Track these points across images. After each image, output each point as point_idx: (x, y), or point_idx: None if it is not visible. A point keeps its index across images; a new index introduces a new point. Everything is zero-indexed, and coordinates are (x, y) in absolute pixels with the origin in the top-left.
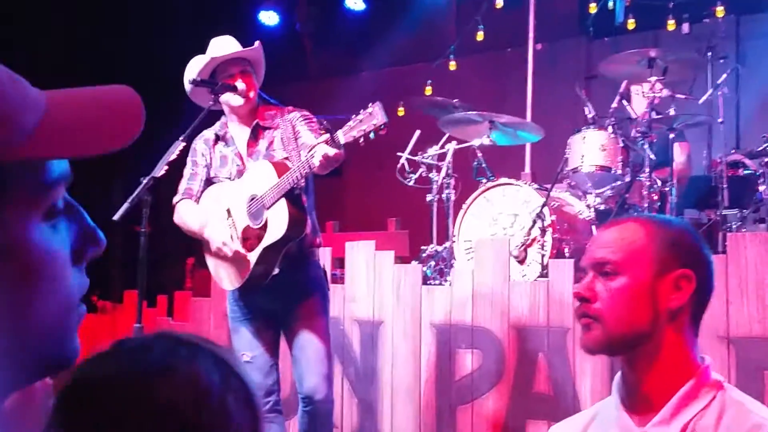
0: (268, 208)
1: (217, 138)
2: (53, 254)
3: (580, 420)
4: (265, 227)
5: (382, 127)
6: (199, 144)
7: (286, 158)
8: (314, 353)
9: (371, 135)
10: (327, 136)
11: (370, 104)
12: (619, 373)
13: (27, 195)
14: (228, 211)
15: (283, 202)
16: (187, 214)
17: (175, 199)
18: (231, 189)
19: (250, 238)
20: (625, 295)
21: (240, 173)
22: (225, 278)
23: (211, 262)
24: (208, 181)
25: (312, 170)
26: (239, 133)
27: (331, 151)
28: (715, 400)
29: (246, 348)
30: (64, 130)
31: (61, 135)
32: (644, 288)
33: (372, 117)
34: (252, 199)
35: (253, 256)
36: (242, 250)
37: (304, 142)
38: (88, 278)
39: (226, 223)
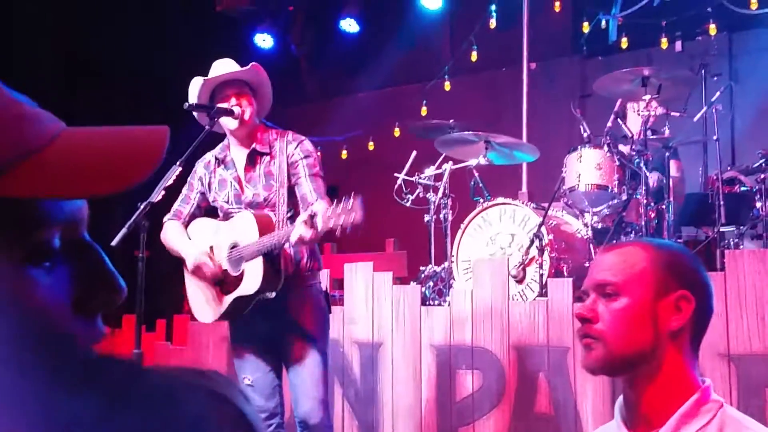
0: (246, 261)
1: (218, 161)
2: (42, 301)
3: None
4: (241, 277)
5: (359, 225)
6: (200, 167)
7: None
8: (309, 377)
9: (348, 229)
10: (306, 216)
11: (352, 197)
12: (621, 396)
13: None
14: (211, 248)
15: (260, 259)
16: (171, 233)
17: (165, 218)
18: (217, 228)
19: (227, 282)
20: (627, 315)
21: (237, 198)
22: (199, 311)
23: (189, 290)
24: (204, 207)
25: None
26: (239, 156)
27: (307, 234)
28: (714, 419)
29: (247, 371)
30: (58, 170)
31: (51, 176)
32: (645, 309)
33: (351, 211)
34: (233, 247)
35: (226, 300)
36: (218, 274)
37: (300, 191)
38: (101, 328)
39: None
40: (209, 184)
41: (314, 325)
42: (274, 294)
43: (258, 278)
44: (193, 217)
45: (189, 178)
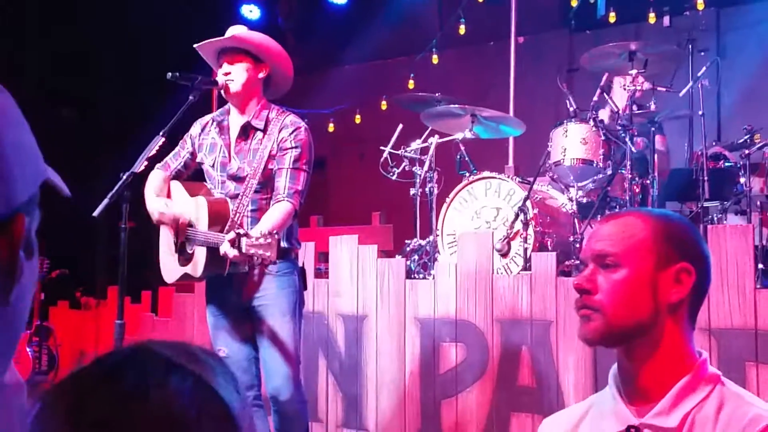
0: (195, 245)
1: (215, 124)
2: None
3: (574, 412)
4: (193, 256)
5: (271, 263)
6: (195, 127)
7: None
8: (277, 354)
9: (259, 260)
10: (233, 235)
11: (276, 235)
12: (615, 365)
13: None
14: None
15: (204, 249)
16: (151, 181)
17: (156, 165)
18: (186, 201)
19: (184, 254)
20: (627, 286)
21: (223, 165)
22: (163, 269)
23: (160, 248)
24: (192, 167)
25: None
26: (234, 125)
27: (231, 253)
28: (713, 393)
29: (222, 343)
30: None
31: None
32: (645, 280)
33: (269, 248)
34: (190, 225)
35: (180, 271)
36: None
37: (276, 182)
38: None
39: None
40: (200, 145)
41: (284, 303)
42: (246, 269)
43: (201, 265)
44: (179, 174)
45: (185, 134)
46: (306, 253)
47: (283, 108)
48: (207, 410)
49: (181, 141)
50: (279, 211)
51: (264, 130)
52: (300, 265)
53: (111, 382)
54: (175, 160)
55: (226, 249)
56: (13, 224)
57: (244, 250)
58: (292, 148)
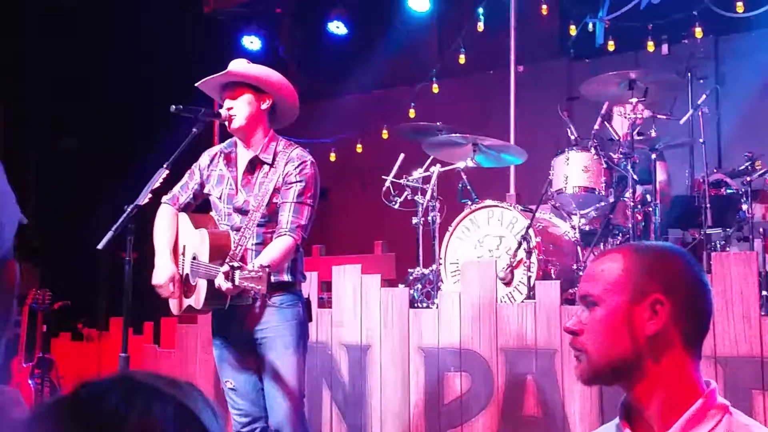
0: (197, 277)
1: (223, 156)
2: None
3: None
4: (195, 288)
5: (263, 294)
6: (204, 158)
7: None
8: (280, 387)
9: (253, 293)
10: (227, 268)
11: (267, 268)
12: (624, 396)
13: None
14: (184, 247)
15: (205, 282)
16: (160, 219)
17: (163, 199)
18: (192, 233)
19: (189, 286)
20: (603, 324)
21: (230, 197)
22: (170, 301)
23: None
24: (200, 198)
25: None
26: (242, 158)
27: (224, 286)
28: (721, 423)
29: (229, 375)
30: None
31: None
32: (620, 316)
33: (260, 281)
34: (194, 257)
35: (184, 303)
36: (175, 294)
37: (280, 215)
38: None
39: (180, 259)
40: (208, 176)
41: (287, 335)
42: (249, 301)
43: (202, 297)
44: (187, 206)
45: (193, 165)
46: (309, 283)
47: (291, 140)
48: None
49: (188, 172)
50: (279, 244)
51: (271, 164)
52: (305, 296)
53: (90, 408)
54: (184, 192)
55: (220, 281)
56: (5, 271)
57: (237, 283)
58: (296, 182)
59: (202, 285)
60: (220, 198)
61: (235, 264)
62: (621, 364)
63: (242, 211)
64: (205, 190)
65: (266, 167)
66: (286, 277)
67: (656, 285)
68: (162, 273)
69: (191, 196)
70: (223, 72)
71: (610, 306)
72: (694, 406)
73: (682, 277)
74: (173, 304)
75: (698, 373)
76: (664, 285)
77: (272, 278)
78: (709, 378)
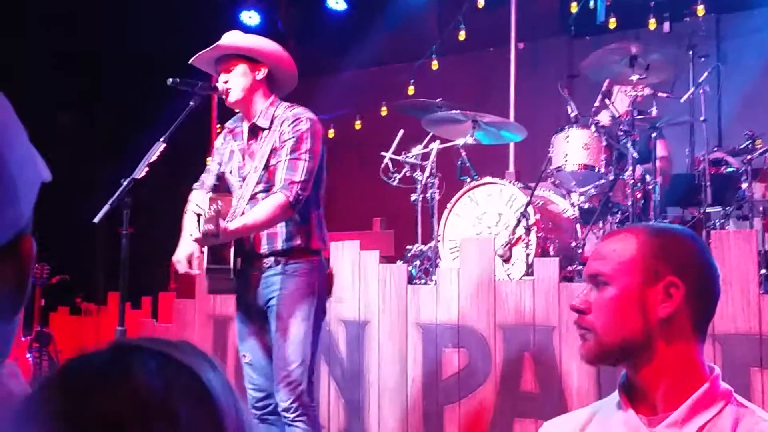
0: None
1: (231, 132)
2: None
3: (577, 417)
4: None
5: (213, 235)
6: (219, 139)
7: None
8: (284, 358)
9: (214, 234)
10: (197, 217)
11: (219, 206)
12: (624, 373)
13: None
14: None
15: (188, 240)
16: (190, 204)
17: (193, 186)
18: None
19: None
20: (614, 304)
21: (239, 170)
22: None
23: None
24: (223, 177)
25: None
26: (245, 129)
27: (194, 235)
28: (727, 408)
29: (246, 349)
30: None
31: None
32: (632, 297)
33: (210, 221)
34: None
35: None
36: (193, 271)
37: (276, 176)
38: None
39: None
40: (222, 155)
41: (292, 304)
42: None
43: (204, 267)
44: (215, 188)
45: (213, 149)
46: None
47: (293, 104)
48: (177, 386)
49: (211, 156)
50: (266, 203)
51: (269, 128)
52: (328, 269)
53: (73, 377)
54: (207, 174)
55: (192, 230)
56: (20, 245)
57: (202, 230)
58: (289, 138)
59: (204, 251)
60: (231, 173)
61: (201, 212)
62: (631, 345)
63: (257, 183)
64: (223, 168)
65: (265, 132)
66: (298, 241)
67: (670, 267)
68: (180, 250)
69: (215, 177)
70: (213, 46)
71: (622, 286)
72: (702, 389)
73: (695, 261)
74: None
75: (702, 357)
76: (678, 268)
77: (283, 241)
78: (707, 356)
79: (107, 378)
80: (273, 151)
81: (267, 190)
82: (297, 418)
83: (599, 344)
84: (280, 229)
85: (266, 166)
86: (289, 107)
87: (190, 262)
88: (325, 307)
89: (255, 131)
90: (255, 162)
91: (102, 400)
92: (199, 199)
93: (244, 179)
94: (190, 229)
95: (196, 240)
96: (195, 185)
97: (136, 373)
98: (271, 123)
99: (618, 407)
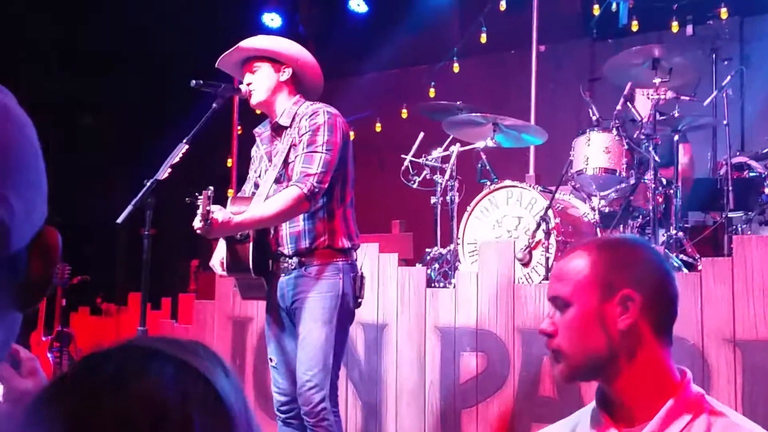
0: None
1: (258, 137)
2: None
3: (563, 428)
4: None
5: (207, 219)
6: (254, 147)
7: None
8: (302, 361)
9: (205, 218)
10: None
11: (211, 191)
12: (598, 386)
13: None
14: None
15: (223, 243)
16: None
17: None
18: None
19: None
20: (575, 324)
21: (267, 172)
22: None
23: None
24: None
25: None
26: (270, 130)
27: (196, 224)
28: (702, 415)
29: (272, 352)
30: None
31: None
32: (591, 315)
33: (201, 204)
34: None
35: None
36: (220, 271)
37: (294, 166)
38: None
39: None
40: (255, 161)
41: (317, 307)
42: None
43: (225, 263)
44: (253, 194)
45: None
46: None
47: (314, 101)
48: (192, 393)
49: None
50: (278, 196)
51: (290, 125)
52: (358, 271)
53: (87, 377)
54: (247, 184)
55: (196, 220)
56: (47, 238)
57: (198, 216)
58: (306, 132)
59: (224, 253)
60: (260, 176)
61: (198, 203)
62: (597, 361)
63: (277, 181)
64: (257, 173)
65: (287, 130)
66: (322, 239)
67: (624, 279)
68: (215, 255)
69: (253, 184)
70: (234, 47)
71: (581, 305)
72: (672, 399)
73: (648, 268)
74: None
75: (670, 362)
76: (632, 279)
77: (306, 241)
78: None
79: (121, 383)
80: (292, 147)
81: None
82: (318, 423)
83: (568, 365)
84: (304, 227)
85: (285, 163)
86: (311, 104)
87: (222, 264)
88: (353, 311)
89: (279, 131)
90: (275, 160)
91: (116, 402)
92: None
93: (274, 181)
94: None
95: (198, 230)
96: (238, 195)
97: (153, 380)
98: (292, 121)
99: (596, 422)
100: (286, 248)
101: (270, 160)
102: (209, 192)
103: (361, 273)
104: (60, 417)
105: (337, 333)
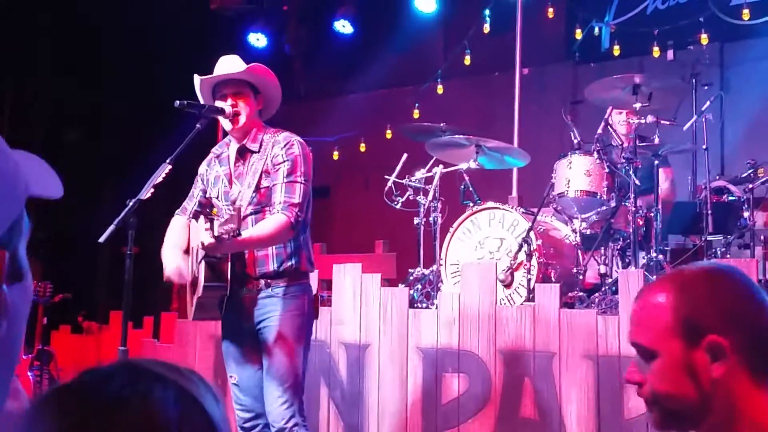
0: (198, 263)
1: (216, 157)
2: None
3: None
4: (197, 280)
5: (238, 233)
6: (203, 164)
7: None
8: (276, 381)
9: (234, 233)
10: (208, 224)
11: (238, 208)
12: None
13: None
14: (195, 249)
15: (203, 266)
16: (170, 229)
17: (175, 212)
18: (199, 230)
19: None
20: (664, 375)
21: (226, 194)
22: (188, 310)
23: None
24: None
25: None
26: (232, 153)
27: (207, 240)
28: None
29: (232, 370)
30: None
31: None
32: (678, 364)
33: (233, 220)
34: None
35: (194, 302)
36: (186, 279)
37: (272, 198)
38: None
39: (189, 259)
40: (207, 180)
41: (286, 326)
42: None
43: (202, 280)
44: (196, 214)
45: (197, 176)
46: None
47: (276, 127)
48: (189, 419)
49: (194, 182)
50: (270, 220)
51: (258, 151)
52: (314, 291)
53: (91, 394)
54: (190, 201)
55: (203, 238)
56: None
57: (216, 233)
58: (284, 161)
59: (202, 269)
60: (217, 197)
61: (213, 217)
62: (689, 412)
63: (250, 203)
64: (208, 194)
65: (255, 156)
66: (289, 263)
67: (710, 321)
68: (167, 266)
69: (197, 203)
70: (241, 70)
71: (666, 355)
72: None
73: (738, 304)
74: (189, 310)
75: None
76: (719, 319)
77: (274, 264)
78: None
79: (126, 403)
80: (264, 173)
81: (258, 212)
82: None
83: (663, 414)
84: (271, 252)
85: (257, 188)
86: (275, 131)
87: (180, 274)
88: (312, 328)
89: (243, 154)
90: (245, 184)
91: (121, 422)
92: (179, 225)
93: (232, 203)
94: (202, 237)
95: (209, 246)
96: (177, 211)
97: (156, 403)
98: (260, 146)
99: None
100: (254, 270)
101: (230, 182)
102: (241, 209)
103: (316, 293)
104: (62, 430)
105: (305, 349)
